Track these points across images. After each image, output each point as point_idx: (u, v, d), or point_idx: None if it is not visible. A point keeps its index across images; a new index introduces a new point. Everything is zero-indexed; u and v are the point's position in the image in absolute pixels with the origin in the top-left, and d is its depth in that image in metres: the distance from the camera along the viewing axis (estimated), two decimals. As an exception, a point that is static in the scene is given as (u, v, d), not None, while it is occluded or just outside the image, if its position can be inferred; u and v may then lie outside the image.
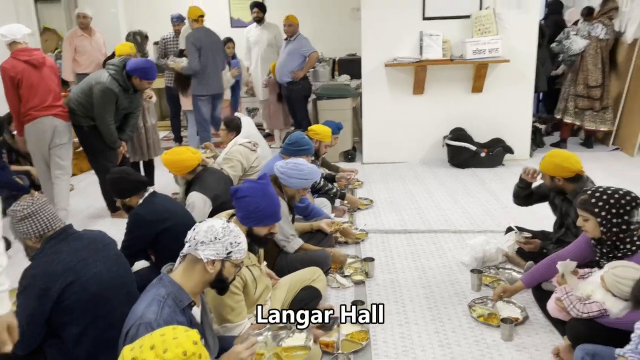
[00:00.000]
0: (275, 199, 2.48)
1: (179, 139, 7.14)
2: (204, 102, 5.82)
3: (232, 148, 4.27)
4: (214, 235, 1.83)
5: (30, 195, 2.35)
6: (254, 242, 2.48)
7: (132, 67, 4.16)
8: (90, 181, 5.61)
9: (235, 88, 6.81)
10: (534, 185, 3.37)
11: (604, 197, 2.43)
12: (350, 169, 5.27)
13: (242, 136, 4.46)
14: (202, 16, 5.76)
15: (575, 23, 6.28)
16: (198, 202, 3.42)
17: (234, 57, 6.57)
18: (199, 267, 1.84)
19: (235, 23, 8.85)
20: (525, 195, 3.38)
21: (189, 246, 1.85)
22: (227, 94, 6.69)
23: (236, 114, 5.36)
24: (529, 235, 3.34)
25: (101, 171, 4.38)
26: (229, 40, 6.54)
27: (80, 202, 5.05)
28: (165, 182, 5.21)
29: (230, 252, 1.86)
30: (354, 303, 2.90)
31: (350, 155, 6.20)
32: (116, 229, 3.38)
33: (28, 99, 4.13)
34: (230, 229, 1.88)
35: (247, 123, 4.72)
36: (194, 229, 1.88)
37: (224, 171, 4.00)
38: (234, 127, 4.51)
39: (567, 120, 6.13)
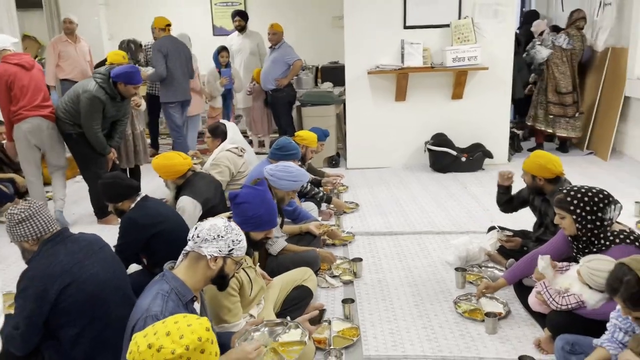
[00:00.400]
0: (272, 206, 2.57)
1: (155, 146, 7.10)
2: (174, 109, 5.89)
3: (220, 154, 4.33)
4: (217, 233, 1.91)
5: (14, 204, 2.39)
6: (250, 245, 2.56)
7: (115, 73, 4.22)
8: (73, 189, 5.60)
9: (226, 97, 6.85)
10: (514, 191, 3.53)
11: (579, 195, 2.58)
12: (336, 173, 5.38)
13: (227, 142, 4.53)
14: (169, 25, 5.87)
15: (541, 34, 6.54)
16: (188, 206, 3.48)
17: (227, 65, 6.62)
18: (202, 263, 1.92)
19: (218, 31, 8.94)
20: (506, 200, 3.54)
21: (194, 243, 1.92)
22: (219, 103, 6.73)
23: (221, 120, 5.43)
24: (510, 234, 3.48)
25: (91, 178, 4.42)
26: (223, 49, 6.59)
27: (65, 209, 5.03)
28: (151, 189, 5.22)
29: (232, 249, 1.94)
30: (344, 301, 2.99)
31: (335, 161, 6.31)
32: (103, 235, 3.41)
33: (19, 99, 4.26)
34: (232, 227, 1.96)
35: (232, 129, 4.79)
36: (196, 228, 1.96)
37: (213, 176, 4.06)
38: (220, 134, 4.58)
39: (539, 127, 6.37)
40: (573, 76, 6.14)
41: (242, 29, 6.99)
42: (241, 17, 6.96)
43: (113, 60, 4.86)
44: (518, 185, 3.53)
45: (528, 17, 7.40)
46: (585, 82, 6.58)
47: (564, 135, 6.27)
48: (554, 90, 6.16)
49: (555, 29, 6.41)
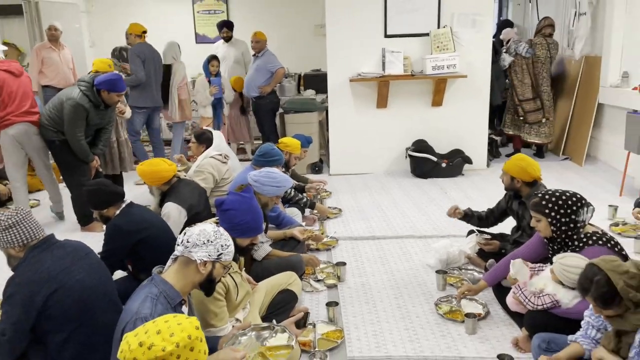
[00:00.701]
0: (259, 213, 2.62)
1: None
2: (139, 114, 5.96)
3: (204, 161, 4.36)
4: (207, 238, 1.96)
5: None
6: (236, 251, 2.60)
7: (99, 81, 4.25)
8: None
9: (216, 106, 6.79)
10: (491, 202, 3.66)
11: (553, 199, 2.68)
12: (319, 179, 5.45)
13: (212, 149, 4.57)
14: (145, 32, 5.96)
15: (507, 42, 6.75)
16: (173, 212, 3.50)
17: (217, 74, 6.59)
18: (191, 268, 1.96)
19: (200, 39, 8.97)
20: (478, 221, 3.66)
21: (184, 248, 1.96)
22: (209, 112, 6.67)
23: (205, 127, 5.46)
24: (489, 237, 3.59)
25: (74, 185, 4.43)
26: (213, 58, 6.57)
27: (47, 216, 5.01)
28: (133, 197, 5.21)
29: (221, 254, 1.99)
30: (328, 304, 3.05)
31: (317, 167, 6.38)
32: (87, 242, 3.43)
33: (7, 105, 4.33)
34: (220, 232, 2.01)
35: (218, 136, 4.83)
36: (185, 233, 2.00)
37: (197, 183, 4.09)
38: (205, 140, 4.62)
39: (507, 131, 6.59)
40: (534, 84, 6.33)
41: (229, 38, 7.07)
42: (228, 28, 7.04)
43: (98, 68, 4.88)
44: (493, 193, 3.63)
45: (501, 26, 7.59)
46: (561, 90, 6.77)
47: (528, 140, 6.48)
48: (517, 97, 6.38)
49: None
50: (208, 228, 2.00)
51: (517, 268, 2.74)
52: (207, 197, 3.98)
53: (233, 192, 2.71)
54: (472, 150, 6.00)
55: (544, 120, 6.35)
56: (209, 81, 6.52)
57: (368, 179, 5.99)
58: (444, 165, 5.86)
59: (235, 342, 2.21)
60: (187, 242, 1.96)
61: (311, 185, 5.13)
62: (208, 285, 2.02)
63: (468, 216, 3.67)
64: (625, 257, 2.54)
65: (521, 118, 6.42)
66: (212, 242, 1.97)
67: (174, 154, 6.29)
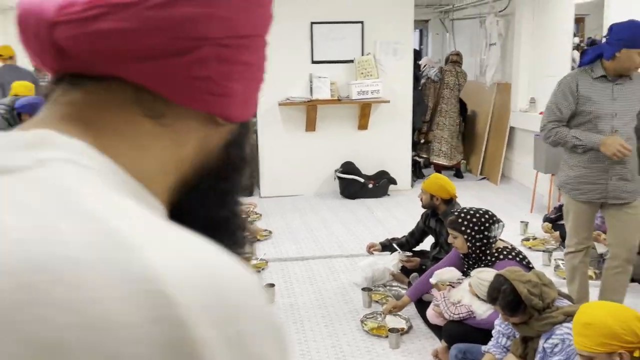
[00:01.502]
0: None
1: None
2: None
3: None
4: None
5: None
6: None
7: (20, 104, 4.08)
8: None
9: None
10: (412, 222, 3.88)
11: (468, 217, 2.89)
12: (249, 202, 5.47)
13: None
14: (11, 57, 5.86)
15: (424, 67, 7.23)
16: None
17: None
18: None
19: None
20: (400, 246, 3.86)
21: None
22: None
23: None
24: (410, 254, 3.77)
25: None
26: None
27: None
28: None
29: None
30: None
31: (248, 190, 6.39)
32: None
33: None
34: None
35: None
36: None
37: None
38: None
39: (421, 153, 7.00)
40: (435, 106, 6.84)
41: None
42: None
43: (18, 91, 4.69)
44: (417, 212, 3.84)
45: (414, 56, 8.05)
46: (478, 115, 7.23)
47: (435, 162, 6.91)
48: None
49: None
50: None
51: (439, 276, 2.91)
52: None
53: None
54: (397, 172, 6.25)
55: (422, 142, 6.82)
56: None
57: (298, 200, 6.07)
58: (370, 186, 6.06)
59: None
60: None
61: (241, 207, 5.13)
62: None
63: (387, 247, 3.88)
64: (530, 270, 2.76)
65: (416, 140, 6.88)
66: None
67: None
